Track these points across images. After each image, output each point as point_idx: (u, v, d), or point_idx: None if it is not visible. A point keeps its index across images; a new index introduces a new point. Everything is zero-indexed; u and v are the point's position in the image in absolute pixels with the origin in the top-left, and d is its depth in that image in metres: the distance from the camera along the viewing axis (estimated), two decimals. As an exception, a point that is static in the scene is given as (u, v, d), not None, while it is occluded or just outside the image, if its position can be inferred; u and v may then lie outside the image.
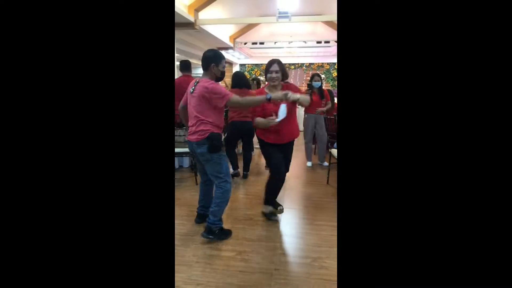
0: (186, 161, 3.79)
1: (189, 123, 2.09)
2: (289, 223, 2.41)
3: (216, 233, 2.07)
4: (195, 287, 1.61)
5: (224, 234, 2.12)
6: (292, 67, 9.96)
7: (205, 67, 2.04)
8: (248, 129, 3.23)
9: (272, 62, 2.23)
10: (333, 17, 6.36)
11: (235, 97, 1.98)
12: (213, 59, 2.02)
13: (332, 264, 1.82)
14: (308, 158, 4.09)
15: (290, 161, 2.46)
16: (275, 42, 7.73)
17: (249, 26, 7.75)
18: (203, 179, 2.29)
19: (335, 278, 1.67)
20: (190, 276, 1.70)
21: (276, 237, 2.16)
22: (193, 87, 2.03)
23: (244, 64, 10.11)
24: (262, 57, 9.74)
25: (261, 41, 7.80)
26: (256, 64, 9.94)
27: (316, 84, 3.69)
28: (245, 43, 7.95)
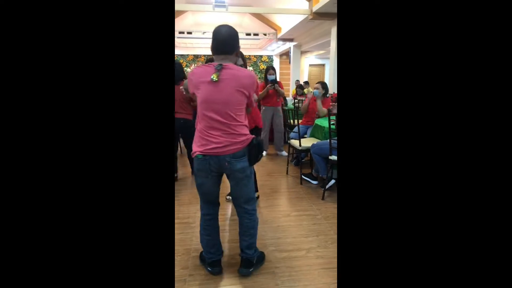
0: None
1: (204, 128, 1.40)
2: (268, 219, 2.35)
3: (255, 263, 1.66)
4: None
5: (262, 258, 1.74)
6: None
7: (231, 49, 1.38)
8: (189, 126, 2.91)
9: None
10: (267, 9, 6.45)
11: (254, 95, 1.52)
12: (238, 41, 1.41)
13: (326, 252, 1.86)
14: (265, 148, 4.19)
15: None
16: (203, 32, 7.49)
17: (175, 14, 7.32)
18: (209, 211, 1.60)
19: (335, 266, 1.72)
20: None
21: (261, 235, 2.05)
22: (215, 74, 1.32)
23: (168, 55, 9.51)
24: (187, 48, 9.34)
25: (189, 31, 7.46)
26: (182, 55, 9.48)
27: (270, 77, 3.79)
28: (171, 33, 7.46)
